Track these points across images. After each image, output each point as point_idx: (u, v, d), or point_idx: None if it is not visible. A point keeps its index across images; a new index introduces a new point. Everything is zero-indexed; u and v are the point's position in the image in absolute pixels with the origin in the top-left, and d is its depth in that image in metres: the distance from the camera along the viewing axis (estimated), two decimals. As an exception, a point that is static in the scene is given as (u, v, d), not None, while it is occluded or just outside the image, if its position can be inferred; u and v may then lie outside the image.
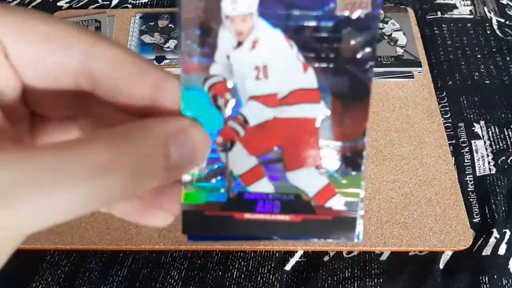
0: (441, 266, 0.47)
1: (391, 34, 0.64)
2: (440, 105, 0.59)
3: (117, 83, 0.20)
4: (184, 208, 0.22)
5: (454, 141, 0.56)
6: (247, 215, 0.22)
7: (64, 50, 0.20)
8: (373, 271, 0.47)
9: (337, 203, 0.22)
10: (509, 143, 0.55)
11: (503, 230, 0.49)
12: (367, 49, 0.20)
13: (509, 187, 0.52)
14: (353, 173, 0.22)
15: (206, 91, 0.21)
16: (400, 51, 0.62)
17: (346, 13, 0.20)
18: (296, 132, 0.22)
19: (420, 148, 0.54)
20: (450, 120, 0.58)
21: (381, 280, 0.46)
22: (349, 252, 0.48)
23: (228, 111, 0.21)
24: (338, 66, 0.21)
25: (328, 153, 0.22)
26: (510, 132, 0.56)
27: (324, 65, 0.21)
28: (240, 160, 0.22)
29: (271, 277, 0.47)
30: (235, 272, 0.47)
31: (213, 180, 0.22)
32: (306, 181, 0.22)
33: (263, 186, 0.22)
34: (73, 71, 0.20)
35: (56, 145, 0.17)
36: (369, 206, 0.50)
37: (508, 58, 0.64)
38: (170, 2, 0.72)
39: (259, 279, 0.47)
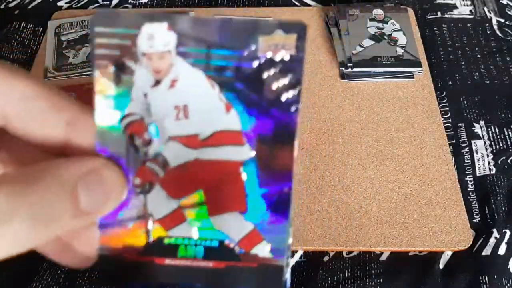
0: (441, 266, 0.47)
1: (391, 34, 0.64)
2: (440, 105, 0.59)
3: (28, 120, 0.20)
4: (101, 252, 0.21)
5: (454, 141, 0.56)
6: (168, 261, 0.21)
7: None
8: (373, 271, 0.47)
9: (262, 250, 0.21)
10: (509, 143, 0.55)
11: (503, 230, 0.49)
12: (292, 93, 0.19)
13: (509, 187, 0.52)
14: (280, 219, 0.21)
15: (122, 130, 0.20)
16: (400, 51, 0.62)
17: (269, 54, 0.19)
18: (219, 175, 0.21)
19: (420, 148, 0.54)
20: (450, 120, 0.58)
21: (381, 280, 0.46)
22: (349, 252, 0.48)
23: (146, 152, 0.20)
24: (261, 108, 0.20)
25: (253, 197, 0.21)
26: (510, 132, 0.56)
27: (247, 106, 0.20)
28: (160, 203, 0.21)
29: (271, 277, 0.47)
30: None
31: (131, 224, 0.21)
32: (231, 226, 0.21)
33: (185, 230, 0.21)
34: None
35: None
36: (369, 206, 0.50)
37: (508, 58, 0.64)
38: (170, 2, 0.72)
39: (259, 279, 0.47)
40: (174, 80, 0.20)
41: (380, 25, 0.65)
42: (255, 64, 0.19)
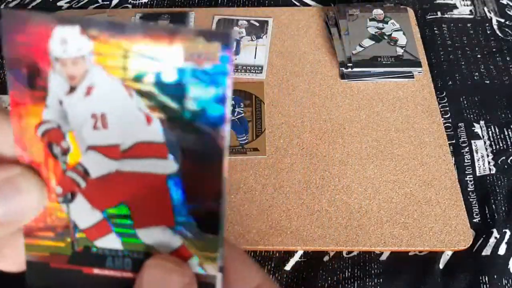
0: (441, 266, 0.47)
1: (391, 34, 0.64)
2: (440, 105, 0.59)
3: None
4: (29, 259, 0.21)
5: (454, 141, 0.56)
6: (97, 271, 0.21)
7: None
8: (373, 271, 0.47)
9: (192, 267, 0.20)
10: (509, 143, 0.55)
11: (503, 230, 0.49)
12: (218, 106, 0.18)
13: (509, 187, 0.52)
14: (210, 236, 0.20)
15: (40, 138, 0.19)
16: (400, 51, 0.62)
17: (191, 64, 0.18)
18: (143, 188, 0.20)
19: (420, 148, 0.54)
20: (450, 120, 0.58)
21: (381, 280, 0.46)
22: (349, 252, 0.48)
23: (65, 160, 0.20)
24: (184, 121, 0.19)
25: (181, 213, 0.20)
26: (510, 132, 0.56)
27: (169, 118, 0.19)
28: (84, 213, 0.20)
29: (271, 277, 0.47)
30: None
31: (56, 232, 0.20)
32: (159, 240, 0.20)
33: (111, 242, 0.21)
34: None
35: None
36: (369, 206, 0.50)
37: (508, 58, 0.64)
38: (170, 2, 0.72)
39: (259, 279, 0.47)
40: (90, 87, 0.19)
41: (380, 25, 0.65)
42: (176, 73, 0.18)
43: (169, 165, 0.19)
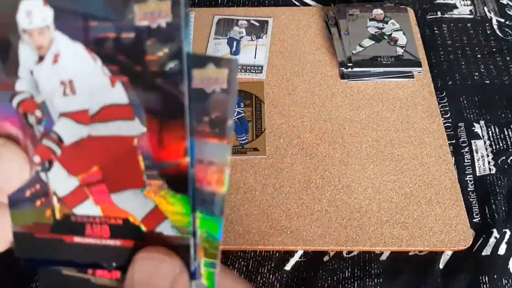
0: (441, 266, 0.47)
1: (391, 34, 0.64)
2: (440, 105, 0.59)
3: None
4: (15, 230, 0.22)
5: (454, 141, 0.56)
6: (77, 239, 0.22)
7: None
8: (373, 271, 0.47)
9: (166, 229, 0.21)
10: (509, 143, 0.55)
11: (503, 230, 0.49)
12: (175, 62, 0.19)
13: (509, 187, 0.52)
14: (179, 195, 0.21)
15: (15, 109, 0.20)
16: (400, 51, 0.62)
17: (146, 22, 0.18)
18: (114, 152, 0.20)
19: (420, 148, 0.54)
20: (450, 120, 0.58)
21: (381, 280, 0.46)
22: (349, 252, 0.48)
23: (40, 129, 0.20)
24: (146, 80, 0.19)
25: (151, 174, 0.21)
26: (510, 132, 0.56)
27: (131, 79, 0.19)
28: (62, 181, 0.21)
29: (271, 277, 0.47)
30: (235, 272, 0.47)
31: (38, 201, 0.21)
32: (132, 204, 0.21)
33: (89, 208, 0.21)
34: None
35: None
36: (369, 206, 0.50)
37: (508, 58, 0.64)
38: (170, 2, 0.72)
39: (259, 279, 0.47)
40: (56, 55, 0.19)
41: (380, 25, 0.65)
42: (133, 34, 0.19)
43: (135, 127, 0.20)
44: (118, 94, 0.20)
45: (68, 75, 0.20)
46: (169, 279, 0.20)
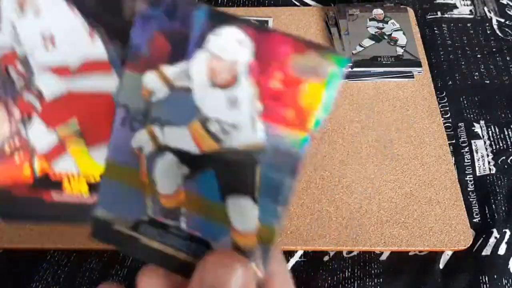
0: (441, 266, 0.47)
1: (391, 34, 0.64)
2: (440, 105, 0.59)
3: None
4: None
5: (454, 141, 0.56)
6: (56, 196, 0.22)
7: None
8: (373, 271, 0.47)
9: None
10: (509, 143, 0.55)
11: (503, 230, 0.49)
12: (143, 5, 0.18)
13: (509, 187, 0.52)
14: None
15: None
16: (400, 51, 0.62)
17: None
18: (92, 107, 0.21)
19: (420, 148, 0.54)
20: (450, 120, 0.58)
21: (381, 280, 0.46)
22: (349, 252, 0.48)
23: (21, 83, 0.21)
24: (124, 32, 0.19)
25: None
26: (510, 132, 0.56)
27: (109, 32, 0.20)
28: (41, 136, 0.21)
29: (271, 277, 0.47)
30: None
31: (16, 157, 0.21)
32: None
33: (67, 164, 0.21)
34: None
35: None
36: (369, 206, 0.50)
37: (508, 58, 0.64)
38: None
39: (259, 279, 0.47)
40: (37, 9, 0.20)
41: (380, 25, 0.65)
42: None
43: (114, 81, 0.20)
44: (97, 49, 0.20)
45: (49, 30, 0.20)
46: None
